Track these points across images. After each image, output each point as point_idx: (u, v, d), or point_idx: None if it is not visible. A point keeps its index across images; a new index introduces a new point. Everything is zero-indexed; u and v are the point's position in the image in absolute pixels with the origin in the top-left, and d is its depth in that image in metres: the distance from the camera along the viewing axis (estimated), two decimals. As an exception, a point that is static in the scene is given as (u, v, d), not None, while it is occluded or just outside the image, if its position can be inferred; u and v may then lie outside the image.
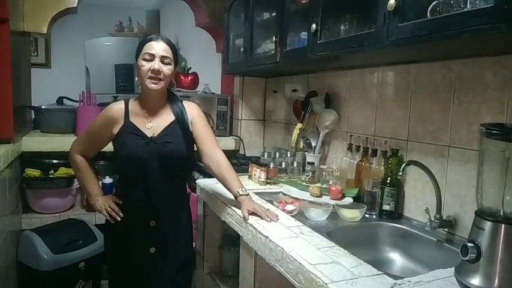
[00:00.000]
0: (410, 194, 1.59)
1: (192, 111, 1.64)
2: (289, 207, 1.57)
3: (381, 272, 1.02)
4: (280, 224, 1.39)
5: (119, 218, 1.59)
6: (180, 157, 1.57)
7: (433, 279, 0.99)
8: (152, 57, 1.50)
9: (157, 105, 1.60)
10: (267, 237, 1.25)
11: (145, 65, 1.50)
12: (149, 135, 1.56)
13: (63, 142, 2.46)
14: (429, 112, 1.50)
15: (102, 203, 1.63)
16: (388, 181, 1.59)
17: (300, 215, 1.54)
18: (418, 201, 1.55)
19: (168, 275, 1.61)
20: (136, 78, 1.58)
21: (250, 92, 2.81)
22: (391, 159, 1.62)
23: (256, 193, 1.80)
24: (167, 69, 1.52)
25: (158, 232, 1.58)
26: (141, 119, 1.58)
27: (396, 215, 1.59)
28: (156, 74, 1.49)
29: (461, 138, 1.37)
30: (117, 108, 1.59)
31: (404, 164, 1.31)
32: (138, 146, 1.53)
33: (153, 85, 1.50)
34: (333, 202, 1.64)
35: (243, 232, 1.44)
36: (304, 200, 1.67)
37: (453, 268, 1.04)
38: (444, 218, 1.38)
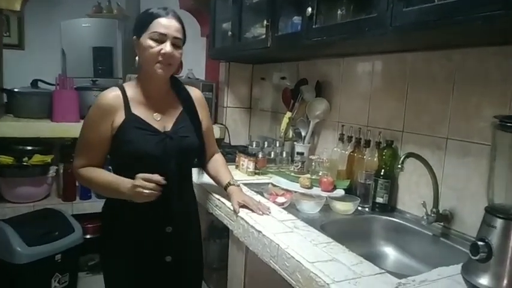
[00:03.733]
0: (405, 187, 1.55)
1: (199, 99, 1.48)
2: (281, 199, 1.51)
3: (383, 271, 0.97)
4: (273, 217, 1.32)
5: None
6: (196, 152, 1.43)
7: (438, 278, 0.94)
8: (164, 38, 1.26)
9: (161, 92, 1.38)
10: (260, 232, 1.18)
11: (155, 47, 1.26)
12: (161, 129, 1.33)
13: (38, 127, 2.32)
14: (426, 103, 1.45)
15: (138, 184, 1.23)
16: (382, 173, 1.55)
17: (290, 207, 1.48)
18: (412, 194, 1.51)
19: (185, 286, 1.46)
20: (136, 59, 1.33)
21: (237, 78, 2.72)
22: (385, 150, 1.57)
23: (245, 184, 1.73)
24: (178, 54, 1.31)
25: (175, 238, 1.38)
26: (145, 109, 1.33)
27: (389, 207, 1.55)
28: (167, 59, 1.28)
29: (460, 130, 1.33)
30: (113, 96, 1.30)
31: (403, 157, 1.26)
32: (151, 144, 1.29)
33: (161, 71, 1.28)
34: (325, 194, 1.59)
35: (233, 226, 1.37)
36: (295, 191, 1.61)
37: (456, 266, 1.01)
38: (440, 212, 1.35)
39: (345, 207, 1.49)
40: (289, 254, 1.04)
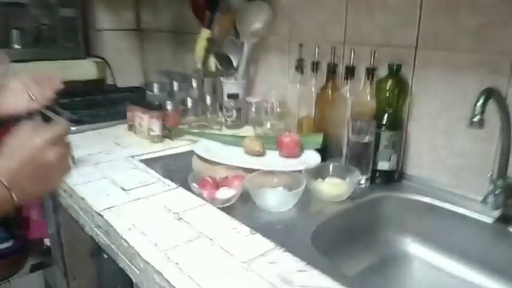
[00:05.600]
0: (420, 140, 0.94)
1: None
2: (224, 192, 0.80)
3: None
4: (221, 248, 0.61)
5: None
6: None
7: None
8: None
9: None
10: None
11: None
12: None
13: None
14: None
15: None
16: (384, 121, 0.92)
17: (241, 202, 0.80)
18: (436, 151, 0.91)
19: None
20: None
21: (113, -16, 1.80)
22: (389, 81, 0.92)
23: (147, 160, 0.99)
24: None
25: None
26: None
27: (397, 176, 0.95)
28: None
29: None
30: None
31: (483, 98, 0.61)
32: None
33: None
34: (295, 165, 0.92)
35: (137, 278, 0.63)
36: (245, 169, 0.89)
37: None
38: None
39: (336, 191, 0.85)
40: None
